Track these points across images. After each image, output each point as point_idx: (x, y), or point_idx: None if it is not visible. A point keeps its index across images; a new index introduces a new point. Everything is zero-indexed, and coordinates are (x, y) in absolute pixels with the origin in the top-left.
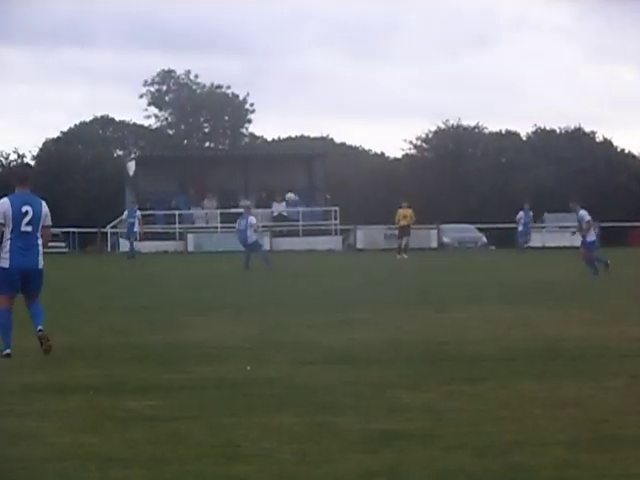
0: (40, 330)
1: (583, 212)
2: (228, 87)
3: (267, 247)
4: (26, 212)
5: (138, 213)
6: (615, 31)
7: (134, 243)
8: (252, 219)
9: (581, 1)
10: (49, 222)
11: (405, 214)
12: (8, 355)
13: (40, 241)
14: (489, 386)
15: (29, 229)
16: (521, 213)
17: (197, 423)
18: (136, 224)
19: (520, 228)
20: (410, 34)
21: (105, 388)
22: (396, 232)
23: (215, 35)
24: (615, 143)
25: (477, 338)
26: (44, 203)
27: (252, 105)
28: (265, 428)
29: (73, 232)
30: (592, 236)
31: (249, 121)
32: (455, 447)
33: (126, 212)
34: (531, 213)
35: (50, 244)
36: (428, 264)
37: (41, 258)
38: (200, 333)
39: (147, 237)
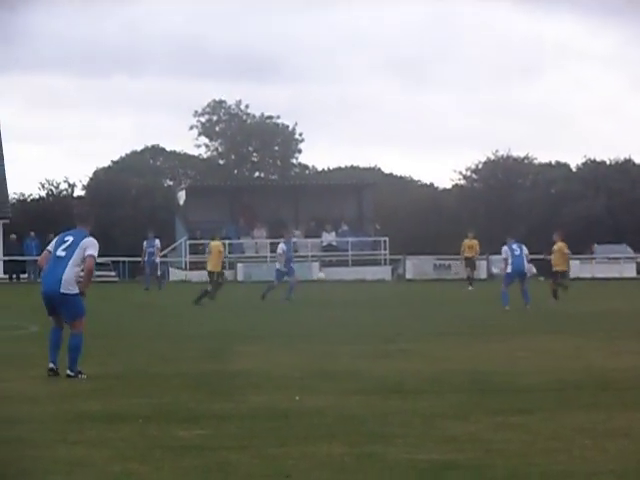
0: (67, 374)
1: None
2: (278, 117)
3: (316, 277)
4: (67, 240)
5: (157, 242)
6: None
7: (158, 274)
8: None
9: (625, 27)
10: (91, 252)
11: (471, 245)
12: (51, 370)
13: (70, 267)
14: (538, 417)
15: (63, 254)
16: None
17: (247, 453)
18: (155, 254)
19: None
20: (459, 63)
21: (155, 417)
22: (446, 263)
23: (264, 63)
24: None
25: (526, 369)
26: (92, 238)
27: (301, 135)
28: (314, 458)
29: (123, 261)
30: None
31: (299, 151)
32: (504, 478)
33: (145, 242)
34: None
35: (99, 273)
36: (478, 295)
37: (67, 283)
38: (250, 362)
39: (197, 267)
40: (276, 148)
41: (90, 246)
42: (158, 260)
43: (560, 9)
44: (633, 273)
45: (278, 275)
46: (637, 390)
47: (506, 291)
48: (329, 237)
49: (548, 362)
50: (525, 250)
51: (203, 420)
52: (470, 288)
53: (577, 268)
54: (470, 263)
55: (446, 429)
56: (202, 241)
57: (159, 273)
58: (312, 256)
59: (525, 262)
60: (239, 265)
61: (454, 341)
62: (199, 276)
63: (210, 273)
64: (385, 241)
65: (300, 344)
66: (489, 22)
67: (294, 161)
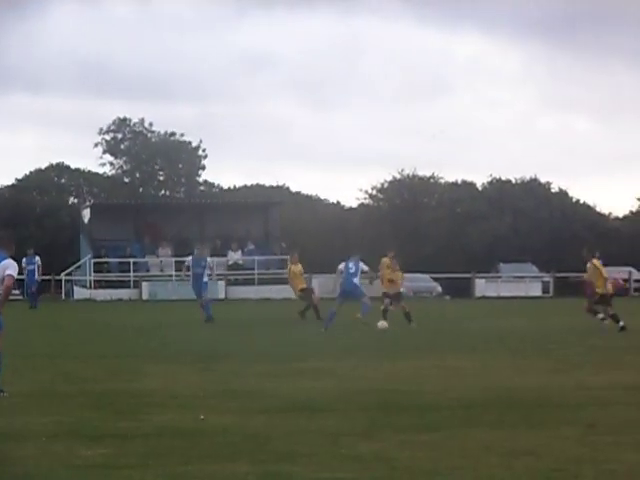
0: None
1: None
2: (182, 135)
3: (222, 296)
4: None
5: (37, 259)
6: (566, 79)
7: (33, 290)
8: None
9: (532, 46)
10: (11, 272)
11: (389, 264)
12: None
13: None
14: (444, 435)
15: None
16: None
17: (151, 471)
18: (35, 272)
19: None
20: (365, 82)
21: (59, 435)
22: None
23: (167, 81)
24: (570, 193)
25: (433, 387)
26: (11, 260)
27: (204, 151)
28: (219, 477)
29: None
30: None
31: (202, 167)
32: None
33: (25, 260)
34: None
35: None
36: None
37: None
38: (155, 381)
39: (102, 285)
40: (180, 165)
41: (10, 266)
42: (37, 277)
43: (468, 27)
44: (538, 292)
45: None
46: (542, 408)
47: (334, 310)
48: (235, 256)
49: (455, 380)
50: (363, 267)
51: (107, 439)
52: (391, 307)
53: (483, 287)
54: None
55: (352, 448)
56: (107, 259)
57: (33, 289)
58: (218, 275)
59: (355, 280)
60: (144, 284)
61: (362, 359)
62: (103, 294)
63: None
64: None
65: (206, 363)
66: (394, 40)
67: (199, 179)
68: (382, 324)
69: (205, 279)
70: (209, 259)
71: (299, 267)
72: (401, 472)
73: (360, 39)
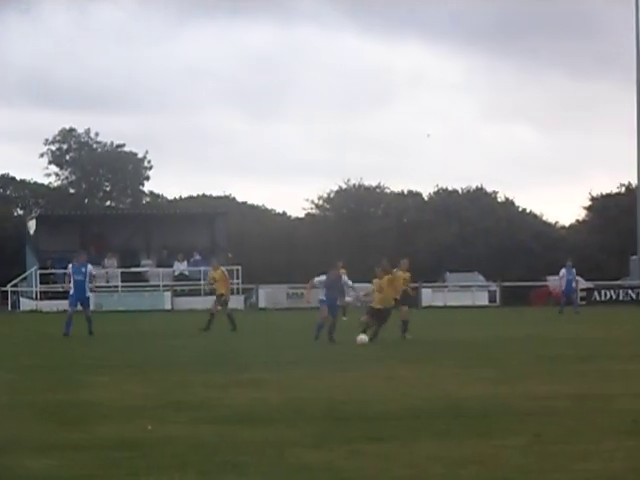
0: None
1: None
2: (123, 145)
3: (169, 306)
4: None
5: None
6: (508, 89)
7: None
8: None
9: (473, 55)
10: None
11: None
12: None
13: None
14: (391, 445)
15: None
16: (563, 271)
17: None
18: None
19: (564, 286)
20: (307, 93)
21: (4, 447)
22: (299, 291)
23: (111, 93)
24: (516, 203)
25: (380, 397)
26: None
27: (149, 162)
28: None
29: None
30: None
31: (147, 178)
32: None
33: None
34: (574, 270)
35: None
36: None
37: None
38: (101, 392)
39: (48, 296)
40: (126, 176)
41: None
42: None
43: (408, 37)
44: (485, 301)
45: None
46: (489, 418)
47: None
48: (181, 266)
49: (402, 390)
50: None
51: (53, 450)
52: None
53: (429, 296)
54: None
55: (299, 458)
56: (53, 270)
57: None
58: (164, 285)
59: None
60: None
61: (308, 370)
62: (50, 305)
63: None
64: (238, 270)
65: (152, 374)
66: (335, 51)
67: (144, 189)
68: (361, 338)
69: (88, 293)
70: (90, 266)
71: (219, 272)
72: None
73: (301, 49)
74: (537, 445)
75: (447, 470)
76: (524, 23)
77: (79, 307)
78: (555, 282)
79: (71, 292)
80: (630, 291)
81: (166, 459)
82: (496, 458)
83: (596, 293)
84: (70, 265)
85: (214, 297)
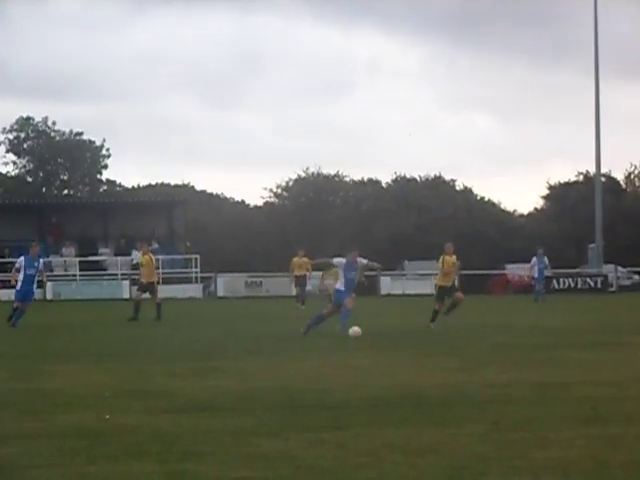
0: None
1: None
2: (82, 134)
3: (127, 295)
4: None
5: None
6: (467, 78)
7: None
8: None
9: (431, 43)
10: None
11: (300, 263)
12: None
13: None
14: (349, 433)
15: None
16: (534, 259)
17: (57, 471)
18: None
19: (536, 275)
20: (265, 81)
21: None
22: (257, 280)
23: (68, 81)
24: (475, 191)
25: (338, 385)
26: None
27: (108, 150)
28: (125, 477)
29: None
30: None
31: (105, 167)
32: None
33: None
34: (545, 258)
35: None
36: (290, 313)
37: None
38: (59, 381)
39: (5, 285)
40: (85, 165)
41: None
42: None
43: (368, 26)
44: None
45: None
46: (448, 406)
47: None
48: (139, 255)
49: (360, 379)
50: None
51: (12, 439)
52: (302, 307)
53: (388, 285)
54: (301, 281)
55: (257, 446)
56: (10, 259)
57: None
58: (122, 274)
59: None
60: (48, 283)
61: (266, 358)
62: (8, 294)
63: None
64: (196, 259)
65: (111, 363)
66: (294, 39)
67: (102, 178)
68: (355, 330)
69: (35, 288)
70: (41, 261)
71: (146, 258)
72: (306, 470)
73: (260, 37)
74: (495, 433)
75: (405, 458)
76: (483, 11)
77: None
78: (514, 270)
79: (19, 286)
80: (588, 279)
81: (124, 448)
82: (454, 446)
83: (555, 281)
84: (22, 257)
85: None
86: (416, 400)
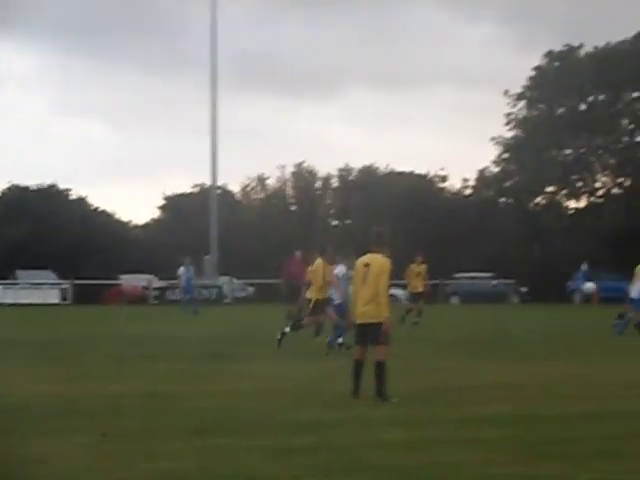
0: None
1: None
2: None
3: None
4: None
5: None
6: (81, 84)
7: None
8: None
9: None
10: None
11: None
12: None
13: None
14: None
15: None
16: (182, 269)
17: None
18: None
19: (184, 284)
20: None
21: None
22: None
23: None
24: (90, 201)
25: None
26: None
27: None
28: None
29: None
30: None
31: None
32: None
33: None
34: (192, 268)
35: None
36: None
37: None
38: None
39: None
40: None
41: None
42: None
43: None
44: (57, 299)
45: None
46: (57, 416)
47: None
48: None
49: None
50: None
51: None
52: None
53: (1, 294)
54: None
55: None
56: None
57: None
58: None
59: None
60: None
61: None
62: None
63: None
64: None
65: None
66: None
67: None
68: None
69: None
70: None
71: None
72: None
73: None
74: (104, 444)
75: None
76: (101, 19)
77: None
78: (129, 280)
79: None
80: (205, 290)
81: None
82: (61, 456)
83: (169, 292)
84: None
85: None
86: (25, 410)
